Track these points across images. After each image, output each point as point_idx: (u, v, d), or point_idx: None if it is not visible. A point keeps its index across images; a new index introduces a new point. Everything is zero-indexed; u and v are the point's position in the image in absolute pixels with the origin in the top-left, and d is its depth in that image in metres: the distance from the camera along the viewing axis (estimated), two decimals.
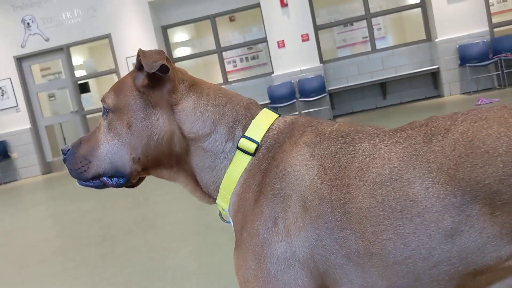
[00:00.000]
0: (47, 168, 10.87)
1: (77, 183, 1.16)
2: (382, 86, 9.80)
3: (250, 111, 1.10)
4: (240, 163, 1.05)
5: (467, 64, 8.80)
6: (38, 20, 10.39)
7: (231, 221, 1.10)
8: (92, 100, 11.33)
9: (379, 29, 10.29)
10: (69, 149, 1.16)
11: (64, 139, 11.87)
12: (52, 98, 11.63)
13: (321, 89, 9.41)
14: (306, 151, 0.97)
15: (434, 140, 0.86)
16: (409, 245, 0.83)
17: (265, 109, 1.12)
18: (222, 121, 1.08)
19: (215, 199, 1.14)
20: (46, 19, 10.38)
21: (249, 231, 0.97)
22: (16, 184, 9.89)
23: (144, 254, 3.29)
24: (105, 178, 1.14)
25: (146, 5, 10.05)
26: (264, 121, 1.08)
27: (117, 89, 1.13)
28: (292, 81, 9.61)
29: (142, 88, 1.09)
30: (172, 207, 4.60)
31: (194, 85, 1.12)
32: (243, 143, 1.05)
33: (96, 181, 1.15)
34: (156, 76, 1.07)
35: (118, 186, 1.14)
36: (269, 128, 1.07)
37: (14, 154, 10.60)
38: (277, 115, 1.12)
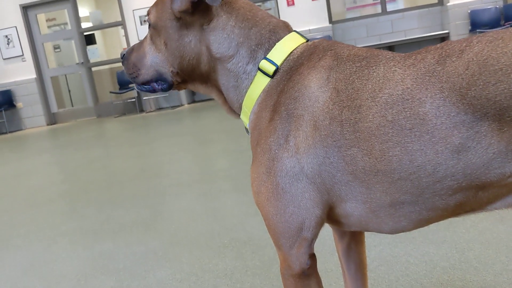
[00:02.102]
0: (52, 119, 10.92)
1: (135, 87, 1.32)
2: (391, 50, 9.71)
3: (275, 35, 1.12)
4: (259, 84, 1.10)
5: (477, 30, 8.69)
6: None
7: None
8: (98, 52, 11.27)
9: None
10: (124, 55, 1.28)
11: (69, 91, 11.88)
12: (58, 50, 11.56)
13: None
14: (323, 74, 1.00)
15: (448, 61, 0.87)
16: (415, 161, 0.87)
17: (293, 33, 1.14)
18: (246, 44, 1.12)
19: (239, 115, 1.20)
20: None
21: (263, 147, 1.03)
22: (21, 133, 9.97)
23: (151, 198, 3.36)
24: (154, 83, 1.25)
25: None
26: (287, 45, 1.10)
27: (158, 6, 1.18)
28: None
29: (180, 13, 1.12)
30: (177, 157, 4.67)
31: (227, 4, 1.14)
32: (264, 64, 1.09)
33: (148, 86, 1.26)
34: (201, 4, 1.10)
35: (164, 90, 1.26)
36: (291, 51, 1.10)
37: (19, 104, 10.63)
38: (305, 40, 1.14)
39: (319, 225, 1.00)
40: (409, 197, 0.91)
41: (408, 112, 0.87)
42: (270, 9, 10.71)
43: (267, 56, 1.10)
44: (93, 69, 10.92)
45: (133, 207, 3.20)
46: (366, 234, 1.95)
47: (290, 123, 0.99)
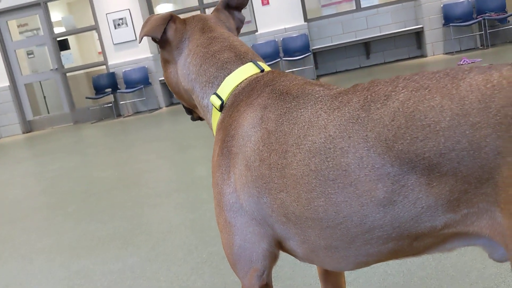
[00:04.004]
0: (28, 127, 10.73)
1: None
2: (366, 46, 9.77)
3: (223, 71, 1.14)
4: (214, 117, 1.14)
5: (450, 24, 8.80)
6: None
7: None
8: (72, 58, 11.09)
9: None
10: None
11: (45, 97, 11.67)
12: (31, 56, 11.34)
13: (305, 48, 9.34)
14: (257, 113, 1.00)
15: (373, 107, 0.83)
16: (341, 213, 0.84)
17: (247, 65, 1.14)
18: (197, 80, 1.17)
19: None
20: None
21: (213, 181, 1.07)
22: None
23: (129, 209, 3.32)
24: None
25: None
26: (235, 79, 1.12)
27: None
28: (276, 40, 9.51)
29: (158, 48, 1.24)
30: (155, 165, 4.62)
31: (189, 39, 1.21)
32: (213, 99, 1.13)
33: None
34: (160, 39, 1.20)
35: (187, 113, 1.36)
36: (237, 85, 1.11)
37: None
38: (257, 71, 1.13)
39: (269, 258, 1.00)
40: (341, 243, 0.89)
41: (331, 163, 0.85)
42: (245, 8, 10.67)
43: (217, 91, 1.13)
44: (68, 74, 10.75)
45: (111, 219, 3.15)
46: None
47: (229, 160, 1.02)
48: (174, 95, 1.34)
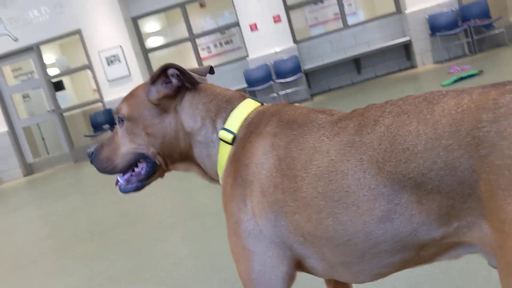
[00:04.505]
0: (29, 170, 10.77)
1: (119, 193, 1.34)
2: (356, 62, 9.90)
3: (230, 104, 1.21)
4: (223, 152, 1.18)
5: (437, 34, 8.93)
6: (4, 20, 10.20)
7: None
8: (68, 98, 11.21)
9: (350, 4, 10.35)
10: (93, 153, 1.31)
11: (43, 139, 11.74)
12: (27, 99, 11.46)
13: (297, 69, 9.47)
14: (268, 141, 1.07)
15: (364, 132, 0.91)
16: (348, 230, 0.92)
17: (247, 100, 1.22)
18: (208, 116, 1.21)
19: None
20: (13, 19, 10.19)
21: (228, 211, 1.11)
22: None
23: (135, 245, 3.34)
24: (137, 168, 1.29)
25: None
26: (241, 112, 1.19)
27: (130, 101, 1.26)
28: (268, 63, 9.64)
29: (158, 101, 1.22)
30: (157, 197, 4.65)
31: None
32: (223, 134, 1.17)
33: (133, 184, 1.31)
34: (181, 88, 1.22)
35: (148, 173, 1.29)
36: (245, 118, 1.18)
37: None
38: (258, 104, 1.22)
39: (287, 281, 1.05)
40: (353, 259, 0.95)
41: (334, 185, 0.92)
42: (234, 35, 10.85)
43: (225, 126, 1.18)
44: (65, 114, 10.85)
45: (118, 258, 3.17)
46: None
47: (245, 188, 1.07)
48: (151, 150, 1.24)
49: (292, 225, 0.99)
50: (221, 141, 1.18)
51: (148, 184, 1.33)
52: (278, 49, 9.66)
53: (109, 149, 1.29)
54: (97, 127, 10.27)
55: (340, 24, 10.11)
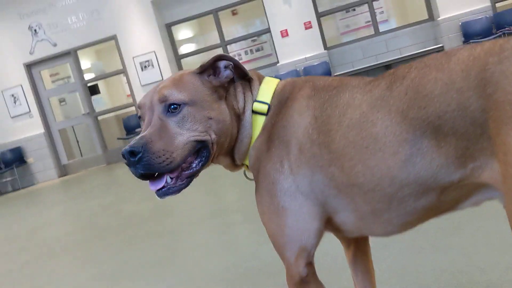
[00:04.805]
0: (63, 171, 11.08)
1: (157, 197, 1.23)
2: (387, 69, 9.85)
3: (259, 80, 1.31)
4: (257, 123, 1.25)
5: (471, 41, 8.82)
6: (44, 26, 10.58)
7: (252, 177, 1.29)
8: (103, 101, 11.52)
9: (381, 12, 10.32)
10: (131, 151, 1.14)
11: (78, 141, 12.08)
12: (63, 103, 11.83)
13: (327, 75, 9.48)
14: (303, 103, 1.16)
15: (394, 87, 1.00)
16: (375, 175, 1.00)
17: (266, 77, 1.33)
18: (246, 95, 1.29)
19: (243, 165, 1.33)
20: (52, 25, 10.56)
21: (263, 173, 1.17)
22: (34, 188, 10.11)
23: (165, 237, 3.43)
24: (192, 162, 1.22)
25: (149, 4, 10.18)
26: (269, 86, 1.28)
27: (184, 87, 1.20)
28: (298, 69, 9.70)
29: (217, 88, 1.23)
30: (187, 195, 4.75)
31: None
32: (257, 106, 1.25)
33: (183, 181, 1.23)
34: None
35: (204, 161, 1.22)
36: (274, 89, 1.27)
37: (30, 159, 10.83)
38: (278, 80, 1.31)
39: (318, 236, 1.13)
40: (382, 205, 1.02)
41: (364, 133, 1.01)
42: (265, 42, 10.97)
43: (257, 99, 1.26)
44: (99, 117, 11.14)
45: (149, 248, 3.27)
46: (376, 247, 1.99)
47: (282, 149, 1.14)
48: (213, 136, 1.20)
49: (327, 178, 1.07)
50: (254, 114, 1.25)
51: (190, 182, 1.26)
52: (308, 55, 9.72)
53: (163, 141, 1.15)
54: (130, 130, 10.51)
55: (371, 31, 10.09)
